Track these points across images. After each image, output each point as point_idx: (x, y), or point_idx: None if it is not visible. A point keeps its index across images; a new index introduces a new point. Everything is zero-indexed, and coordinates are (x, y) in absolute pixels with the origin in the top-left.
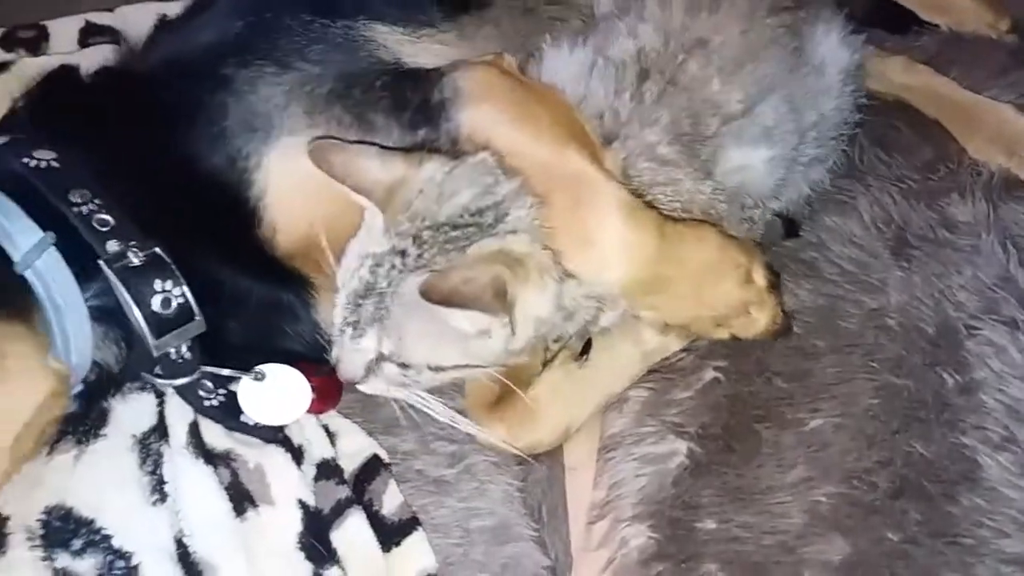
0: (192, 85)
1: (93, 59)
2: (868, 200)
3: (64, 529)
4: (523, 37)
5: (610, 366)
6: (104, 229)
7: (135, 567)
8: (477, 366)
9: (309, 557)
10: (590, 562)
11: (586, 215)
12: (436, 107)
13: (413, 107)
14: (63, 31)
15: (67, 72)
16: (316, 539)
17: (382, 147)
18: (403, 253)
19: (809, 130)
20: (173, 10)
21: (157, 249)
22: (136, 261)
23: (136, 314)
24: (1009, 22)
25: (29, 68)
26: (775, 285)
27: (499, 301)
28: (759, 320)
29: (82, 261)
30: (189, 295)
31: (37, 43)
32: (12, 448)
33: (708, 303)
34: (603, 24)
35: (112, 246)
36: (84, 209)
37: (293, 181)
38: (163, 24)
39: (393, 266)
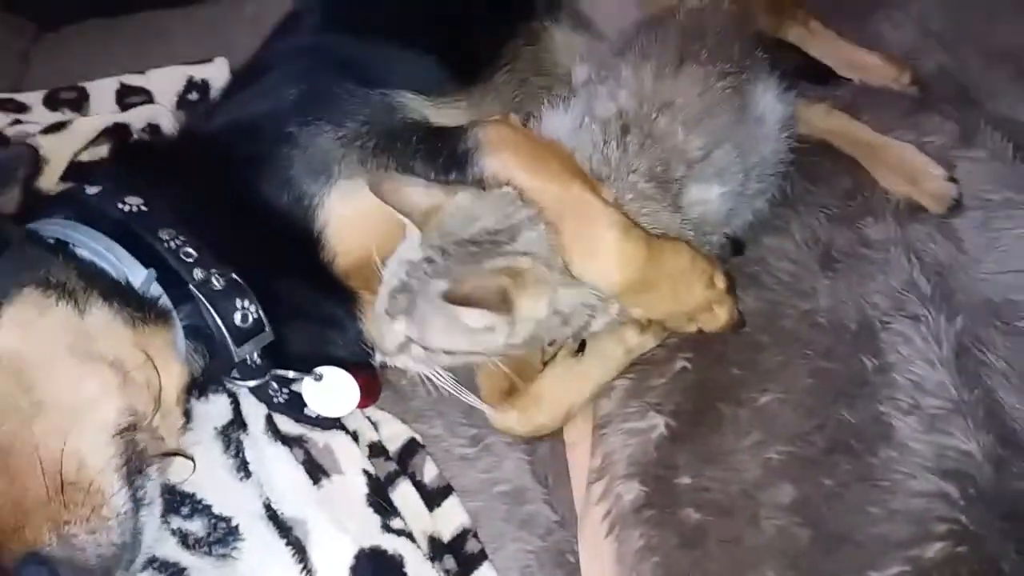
0: (257, 141)
1: (140, 118)
2: (799, 223)
3: (173, 500)
4: (519, 103)
5: (600, 361)
6: (190, 260)
7: (235, 527)
8: (482, 354)
9: (377, 511)
10: (592, 515)
11: (591, 234)
12: (462, 155)
13: (444, 156)
14: (101, 92)
15: (122, 130)
16: (380, 498)
17: (427, 181)
18: (431, 261)
19: (753, 169)
20: (201, 74)
21: (233, 275)
22: (219, 285)
23: (222, 328)
24: (910, 75)
25: (85, 126)
26: (732, 289)
27: (503, 304)
28: (720, 315)
29: (174, 288)
30: (260, 311)
31: (79, 103)
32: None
33: (682, 301)
34: (585, 90)
35: (198, 273)
36: (172, 244)
37: (350, 215)
38: (224, 92)
39: (423, 271)
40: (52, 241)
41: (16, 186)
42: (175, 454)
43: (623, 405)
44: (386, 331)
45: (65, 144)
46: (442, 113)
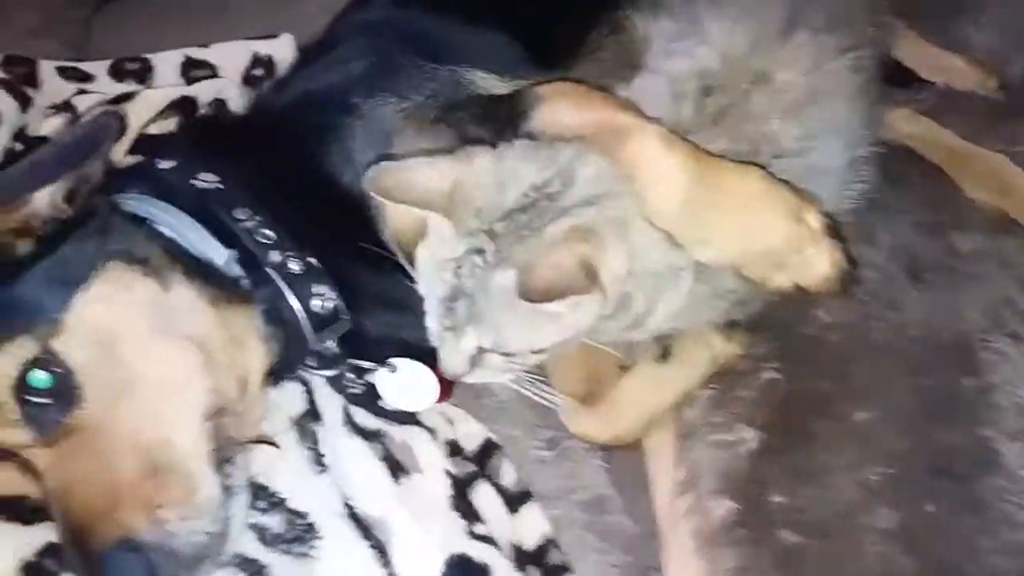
0: (323, 113)
1: (207, 92)
2: (885, 231)
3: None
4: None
5: (685, 368)
6: (267, 242)
7: (312, 524)
8: (574, 337)
9: (462, 516)
10: (678, 530)
11: (634, 147)
12: (520, 115)
13: (501, 118)
14: (166, 64)
15: (189, 103)
16: (463, 501)
17: (429, 152)
18: (480, 251)
19: (846, 170)
20: (266, 50)
21: (311, 258)
22: (296, 269)
23: (300, 314)
24: (996, 81)
25: (153, 98)
26: (834, 231)
27: (590, 279)
28: (817, 262)
29: (251, 271)
30: (339, 297)
31: (143, 75)
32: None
33: (758, 236)
34: (661, 42)
35: (275, 256)
36: (249, 224)
37: None
38: (293, 67)
39: (475, 265)
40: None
41: (102, 157)
42: (261, 441)
43: (708, 415)
44: (451, 350)
45: (132, 116)
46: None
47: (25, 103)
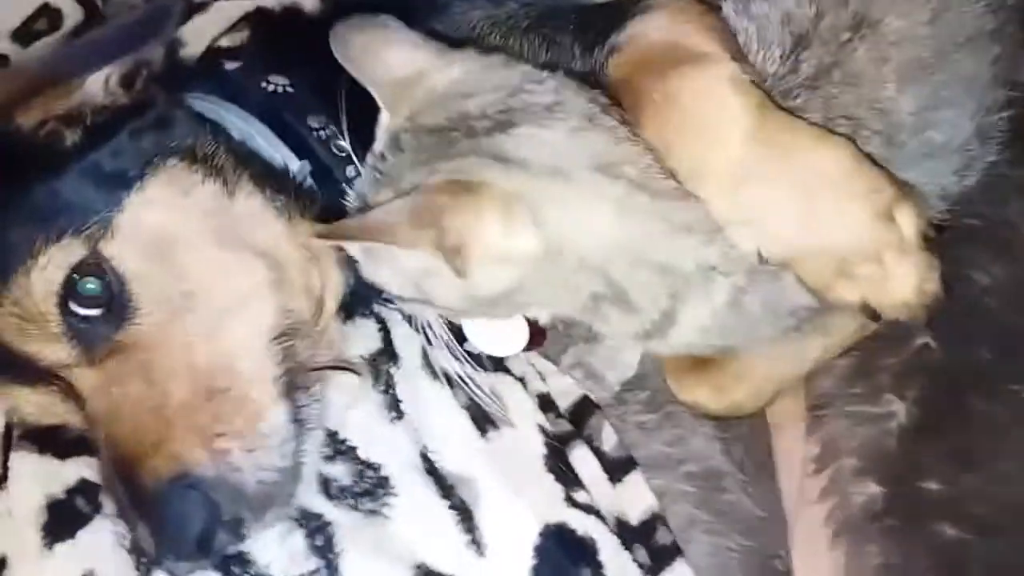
0: (410, 13)
1: (282, 2)
2: None
3: None
4: None
5: (822, 337)
6: (342, 155)
7: (385, 477)
8: (443, 306)
9: (559, 479)
10: (809, 516)
11: (692, 74)
12: (620, 21)
13: (596, 29)
14: None
15: (263, 15)
16: (560, 463)
17: (429, 33)
18: (383, 157)
19: (966, 146)
20: None
21: None
22: None
23: None
24: None
25: (227, 10)
26: (929, 242)
27: (440, 247)
28: (898, 280)
29: (324, 185)
30: None
31: None
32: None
33: (824, 228)
34: None
35: (351, 171)
36: (323, 134)
37: None
38: None
39: (374, 173)
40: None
41: (162, 42)
42: (338, 368)
43: (847, 384)
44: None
45: (206, 26)
46: None
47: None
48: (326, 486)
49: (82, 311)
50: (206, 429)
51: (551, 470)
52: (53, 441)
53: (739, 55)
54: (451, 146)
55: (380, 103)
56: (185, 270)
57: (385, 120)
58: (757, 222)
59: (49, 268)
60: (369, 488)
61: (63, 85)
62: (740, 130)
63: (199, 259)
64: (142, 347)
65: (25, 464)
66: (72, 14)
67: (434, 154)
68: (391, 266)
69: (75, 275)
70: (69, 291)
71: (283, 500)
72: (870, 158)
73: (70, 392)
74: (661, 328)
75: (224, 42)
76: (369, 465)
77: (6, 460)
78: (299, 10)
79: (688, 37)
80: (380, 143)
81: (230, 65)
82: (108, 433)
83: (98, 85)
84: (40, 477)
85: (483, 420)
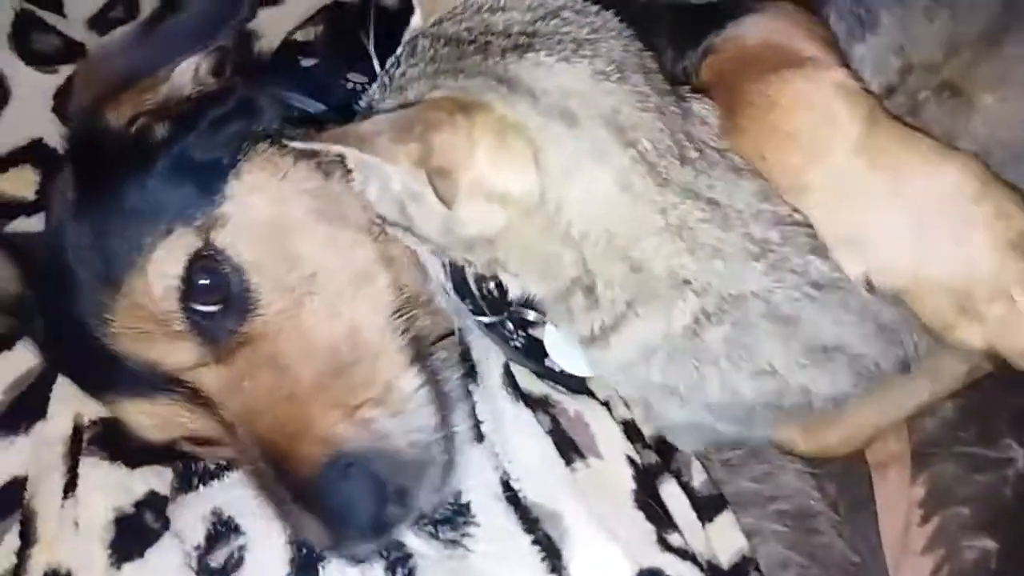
0: None
1: None
2: None
3: None
4: None
5: (927, 383)
6: None
7: (466, 504)
8: (423, 236)
9: (649, 518)
10: (914, 567)
11: (800, 78)
12: (719, 21)
13: (691, 30)
14: None
15: (339, 9)
16: (652, 500)
17: None
18: (396, 63)
19: None
20: None
21: None
22: None
23: None
24: None
25: (303, 2)
26: None
27: (405, 151)
28: None
29: None
30: None
31: None
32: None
33: (943, 258)
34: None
35: None
36: None
37: None
38: None
39: (386, 78)
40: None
41: (237, 26)
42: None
43: (959, 426)
44: None
45: (281, 20)
46: None
47: None
48: None
49: (203, 307)
50: (346, 403)
51: (641, 507)
52: (123, 448)
53: (844, 59)
54: (462, 60)
55: (415, 1)
56: (299, 253)
57: (415, 22)
58: (865, 246)
59: (167, 263)
60: (449, 516)
61: (150, 78)
62: (846, 140)
63: (311, 240)
64: (268, 336)
65: (95, 473)
66: (149, 1)
67: (443, 67)
68: (379, 182)
69: (194, 264)
70: (189, 285)
71: (443, 471)
72: (1002, 179)
73: (194, 398)
74: (605, 335)
75: (298, 36)
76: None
77: (75, 465)
78: (377, 5)
79: (791, 41)
80: (400, 47)
81: (306, 62)
82: (250, 431)
83: (187, 76)
84: (110, 488)
85: (568, 448)
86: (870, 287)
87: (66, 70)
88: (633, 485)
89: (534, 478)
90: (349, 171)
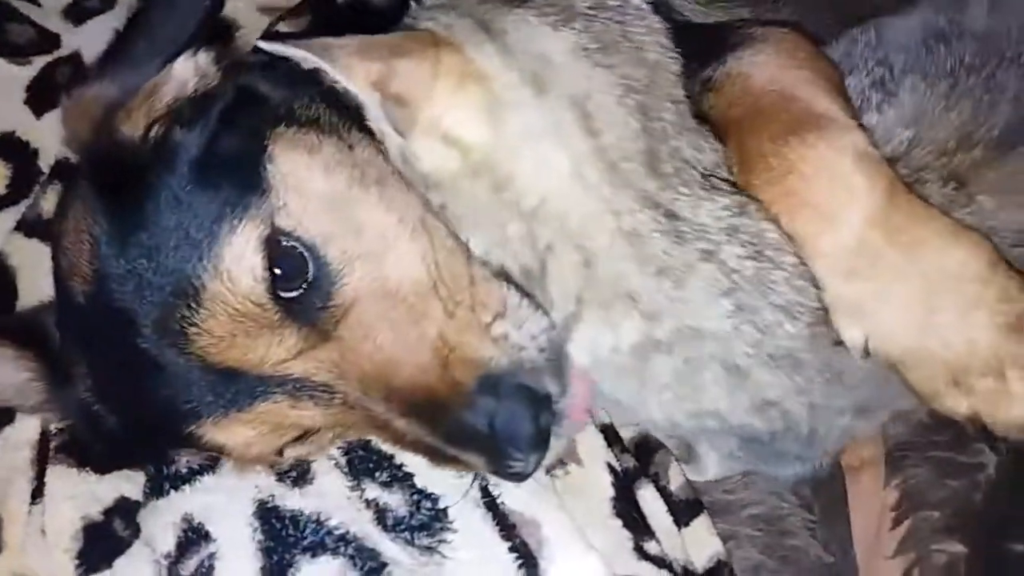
0: None
1: None
2: None
3: (367, 459)
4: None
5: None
6: None
7: (443, 510)
8: None
9: (627, 526)
10: (883, 569)
11: (819, 144)
12: (718, 52)
13: (692, 52)
14: None
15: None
16: (629, 507)
17: None
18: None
19: None
20: None
21: None
22: None
23: None
24: None
25: None
26: None
27: (363, 68)
28: (1020, 398)
29: None
30: None
31: None
32: None
33: (943, 331)
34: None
35: None
36: None
37: None
38: None
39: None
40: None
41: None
42: None
43: (931, 431)
44: None
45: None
46: (708, 16)
47: None
48: (381, 516)
49: (291, 292)
50: (475, 326)
51: (619, 514)
52: (91, 454)
53: (857, 114)
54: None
55: None
56: (360, 218)
57: None
58: (870, 314)
59: (245, 257)
60: (425, 521)
61: (151, 83)
62: (862, 213)
63: (366, 202)
64: (363, 301)
65: (62, 482)
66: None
67: (442, 4)
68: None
69: (272, 248)
70: (272, 274)
71: (565, 365)
72: (1009, 263)
73: (296, 391)
74: (562, 337)
75: (282, 27)
76: (426, 495)
77: (43, 471)
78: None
79: (803, 89)
80: None
81: None
82: (385, 393)
83: (188, 71)
84: (77, 497)
85: None
86: (866, 353)
87: (39, 61)
88: (612, 492)
89: (512, 487)
90: (364, 138)
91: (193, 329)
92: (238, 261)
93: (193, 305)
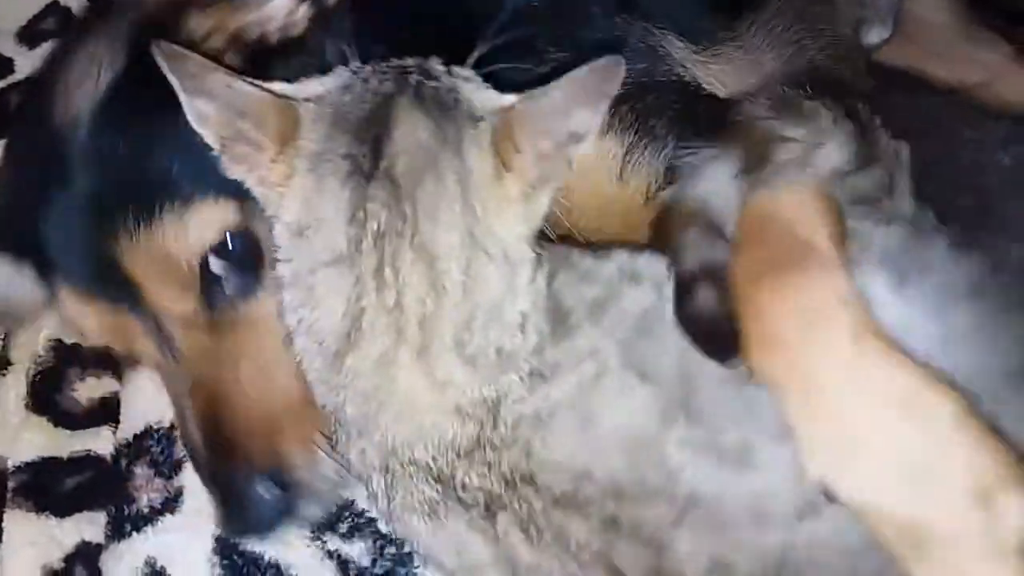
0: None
1: None
2: None
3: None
4: (796, 43)
5: None
6: None
7: (407, 554)
8: None
9: None
10: None
11: (800, 281)
12: (723, 149)
13: (699, 124)
14: None
15: None
16: None
17: None
18: None
19: None
20: None
21: None
22: None
23: None
24: None
25: None
26: None
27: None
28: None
29: None
30: None
31: None
32: None
33: (902, 492)
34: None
35: None
36: None
37: None
38: None
39: None
40: None
41: None
42: None
43: None
44: None
45: None
46: (709, 69)
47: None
48: (344, 568)
49: (218, 271)
50: (304, 429)
51: None
52: (50, 496)
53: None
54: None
55: None
56: None
57: None
58: (833, 457)
59: (208, 226)
60: (390, 568)
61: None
62: (836, 358)
63: None
64: (259, 324)
65: (20, 527)
66: (82, 14)
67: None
68: None
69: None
70: (219, 248)
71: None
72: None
73: (159, 327)
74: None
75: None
76: (390, 541)
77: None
78: None
79: (795, 212)
80: None
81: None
82: (204, 402)
83: (281, 12)
84: (37, 543)
85: None
86: (828, 496)
87: None
88: None
89: None
90: None
91: (124, 236)
92: (199, 225)
93: (138, 222)
